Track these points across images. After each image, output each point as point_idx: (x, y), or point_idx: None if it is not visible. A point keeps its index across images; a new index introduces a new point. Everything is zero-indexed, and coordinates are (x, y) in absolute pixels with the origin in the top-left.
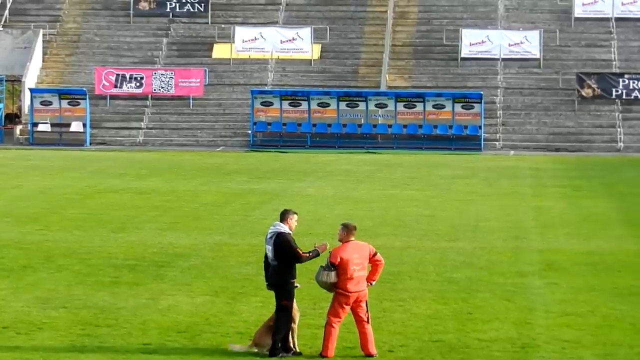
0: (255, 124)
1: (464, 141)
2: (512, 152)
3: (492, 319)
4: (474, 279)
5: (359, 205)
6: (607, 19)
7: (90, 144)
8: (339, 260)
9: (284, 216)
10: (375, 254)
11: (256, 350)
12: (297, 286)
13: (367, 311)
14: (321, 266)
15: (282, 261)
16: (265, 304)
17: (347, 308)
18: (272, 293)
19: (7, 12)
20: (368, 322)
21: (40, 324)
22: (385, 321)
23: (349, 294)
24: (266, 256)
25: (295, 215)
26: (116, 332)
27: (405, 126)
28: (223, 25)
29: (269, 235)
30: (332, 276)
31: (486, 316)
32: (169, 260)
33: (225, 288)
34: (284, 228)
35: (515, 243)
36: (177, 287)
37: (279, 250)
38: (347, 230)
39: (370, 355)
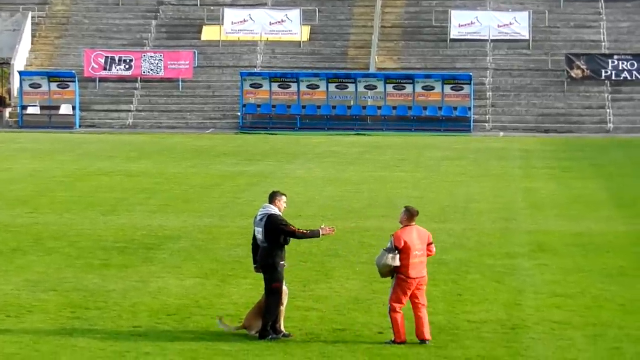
0: (244, 106)
1: (454, 122)
2: (501, 133)
3: (482, 300)
4: (463, 261)
5: (349, 187)
6: (596, 0)
7: (80, 126)
8: (402, 243)
9: (272, 198)
10: (431, 243)
11: (246, 332)
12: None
13: (425, 296)
14: (384, 249)
15: (273, 243)
16: (255, 286)
17: (409, 293)
18: (260, 275)
19: None
20: (425, 305)
21: (30, 307)
22: (375, 303)
23: (410, 279)
24: (254, 238)
25: (284, 197)
26: (106, 314)
27: (394, 108)
28: (212, 7)
29: (258, 217)
30: (396, 260)
31: (476, 297)
32: (158, 243)
33: (215, 270)
34: (274, 209)
35: (504, 224)
36: (166, 269)
37: (270, 231)
38: (410, 214)
39: (424, 341)
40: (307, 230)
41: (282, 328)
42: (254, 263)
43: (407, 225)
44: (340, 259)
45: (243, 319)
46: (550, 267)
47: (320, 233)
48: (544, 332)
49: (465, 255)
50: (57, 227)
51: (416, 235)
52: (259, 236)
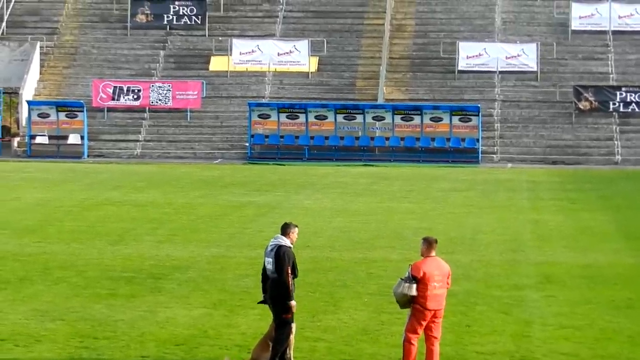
0: (252, 136)
1: (462, 154)
2: (509, 164)
3: (490, 331)
4: (471, 292)
5: (357, 218)
6: (604, 32)
7: (88, 156)
8: (421, 274)
9: (285, 229)
10: (449, 276)
11: None
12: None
13: (440, 329)
14: (401, 278)
15: (283, 274)
16: (263, 317)
17: (424, 324)
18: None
19: (4, 24)
20: (438, 339)
21: (39, 336)
22: (383, 334)
23: (427, 310)
24: (264, 269)
25: (297, 229)
26: (114, 344)
27: (402, 139)
28: (220, 38)
29: (269, 248)
30: (413, 289)
31: (484, 329)
32: (166, 273)
33: (223, 301)
34: (285, 241)
35: (512, 256)
36: (174, 299)
37: (279, 263)
38: (428, 244)
39: None
40: (292, 288)
41: (292, 358)
42: (263, 292)
43: (427, 257)
44: (349, 289)
45: (251, 350)
46: (558, 298)
47: (291, 301)
48: None
49: (473, 286)
50: (65, 256)
51: (435, 267)
52: (269, 267)
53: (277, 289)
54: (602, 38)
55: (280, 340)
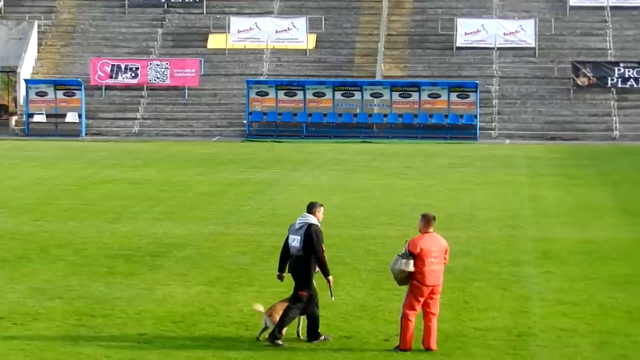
0: (250, 113)
1: (460, 130)
2: (507, 141)
3: (488, 307)
4: (469, 268)
5: (355, 195)
6: (602, 8)
7: (86, 134)
8: (418, 250)
9: (311, 208)
10: (447, 252)
11: (267, 325)
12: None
13: (438, 305)
14: (398, 255)
15: (310, 252)
16: (260, 294)
17: (422, 300)
18: (267, 283)
19: (2, 3)
20: (436, 315)
21: (36, 315)
22: (381, 310)
23: (425, 287)
24: (285, 246)
25: (322, 208)
26: (112, 322)
27: (400, 115)
28: (218, 16)
29: (297, 226)
30: (410, 265)
31: (482, 305)
32: (164, 251)
33: (221, 278)
34: (313, 220)
35: (510, 232)
36: (172, 277)
37: (309, 240)
38: (426, 220)
39: (430, 350)
40: (326, 261)
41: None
42: (280, 271)
43: (425, 232)
44: (347, 266)
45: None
46: (556, 274)
47: (329, 276)
48: (550, 339)
49: (471, 262)
50: (62, 234)
51: (433, 243)
52: (295, 244)
53: (302, 266)
54: (600, 14)
55: (290, 314)
